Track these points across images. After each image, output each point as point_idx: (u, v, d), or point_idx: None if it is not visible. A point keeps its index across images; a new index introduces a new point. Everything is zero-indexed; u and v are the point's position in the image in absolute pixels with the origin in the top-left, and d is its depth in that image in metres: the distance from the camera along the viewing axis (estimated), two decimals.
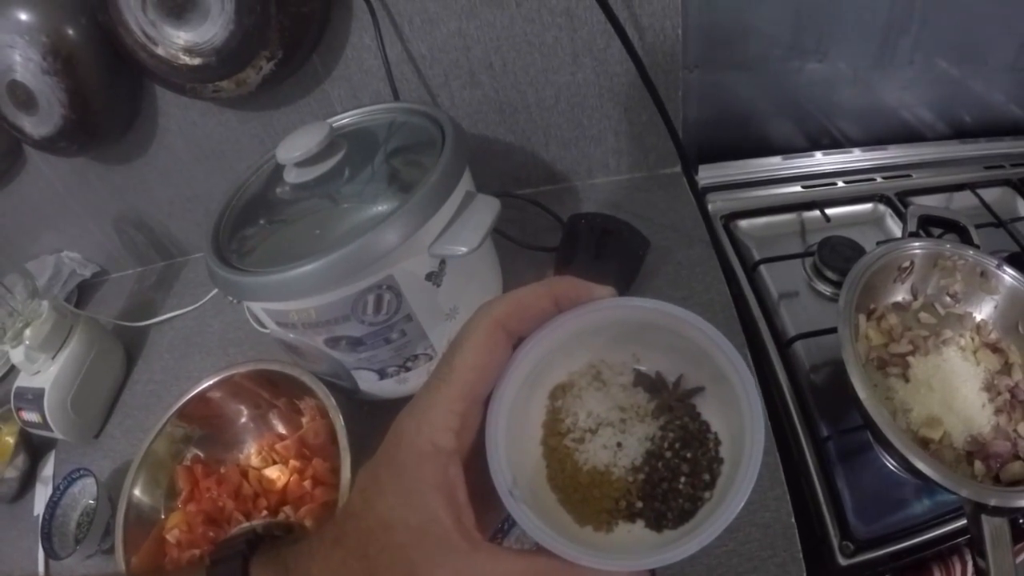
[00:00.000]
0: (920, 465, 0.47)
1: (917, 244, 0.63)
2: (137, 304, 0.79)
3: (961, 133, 0.90)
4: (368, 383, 0.53)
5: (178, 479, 0.56)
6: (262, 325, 0.54)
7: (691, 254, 0.64)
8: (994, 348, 0.61)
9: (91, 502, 0.59)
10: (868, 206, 0.78)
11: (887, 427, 0.48)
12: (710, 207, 0.73)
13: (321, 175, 0.50)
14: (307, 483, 0.53)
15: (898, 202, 0.79)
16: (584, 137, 0.69)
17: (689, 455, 0.27)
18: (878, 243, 0.64)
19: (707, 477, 0.26)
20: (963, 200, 0.82)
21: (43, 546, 0.56)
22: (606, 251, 0.60)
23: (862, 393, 0.50)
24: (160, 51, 0.61)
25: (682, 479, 0.27)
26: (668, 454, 0.27)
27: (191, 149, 0.72)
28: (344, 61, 0.64)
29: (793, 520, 0.48)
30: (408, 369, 0.52)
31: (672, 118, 0.63)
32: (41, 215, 0.77)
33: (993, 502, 0.47)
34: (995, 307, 0.63)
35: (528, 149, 0.70)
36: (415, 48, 0.62)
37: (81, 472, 0.60)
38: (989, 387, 0.58)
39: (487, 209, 0.46)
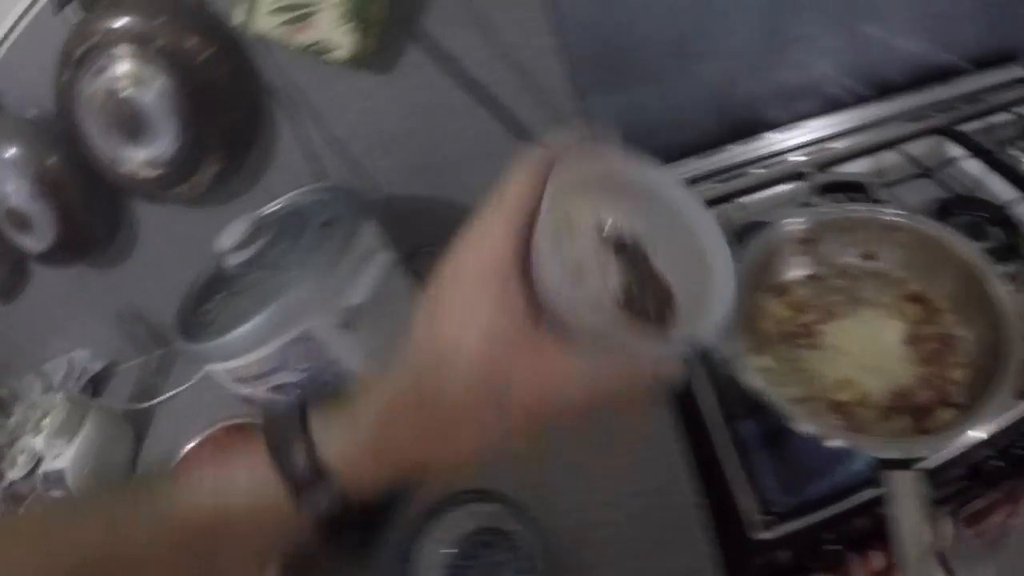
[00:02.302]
0: (801, 426, 0.51)
1: (809, 214, 0.68)
2: (143, 388, 0.94)
3: (887, 91, 0.95)
4: None
5: None
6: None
7: None
8: (915, 298, 0.64)
9: None
10: (789, 187, 0.85)
11: (767, 396, 0.53)
12: None
13: (252, 256, 0.64)
14: None
15: (820, 175, 0.84)
16: (497, 182, 0.81)
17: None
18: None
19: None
20: (890, 159, 0.88)
21: None
22: None
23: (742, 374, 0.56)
24: (125, 168, 0.77)
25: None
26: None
27: (168, 245, 0.87)
28: (280, 153, 0.79)
29: (701, 500, 0.53)
30: None
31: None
32: (51, 320, 0.94)
33: (885, 454, 0.50)
34: (909, 257, 0.66)
35: (451, 201, 0.83)
36: (335, 130, 0.76)
37: None
38: (913, 339, 0.61)
39: (377, 265, 0.59)
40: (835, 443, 0.50)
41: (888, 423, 0.55)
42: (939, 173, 0.83)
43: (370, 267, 0.59)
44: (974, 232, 0.72)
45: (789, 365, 0.61)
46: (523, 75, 0.73)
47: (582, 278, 0.31)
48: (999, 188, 0.81)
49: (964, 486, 0.63)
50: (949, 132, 0.89)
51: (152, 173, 0.77)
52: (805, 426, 0.51)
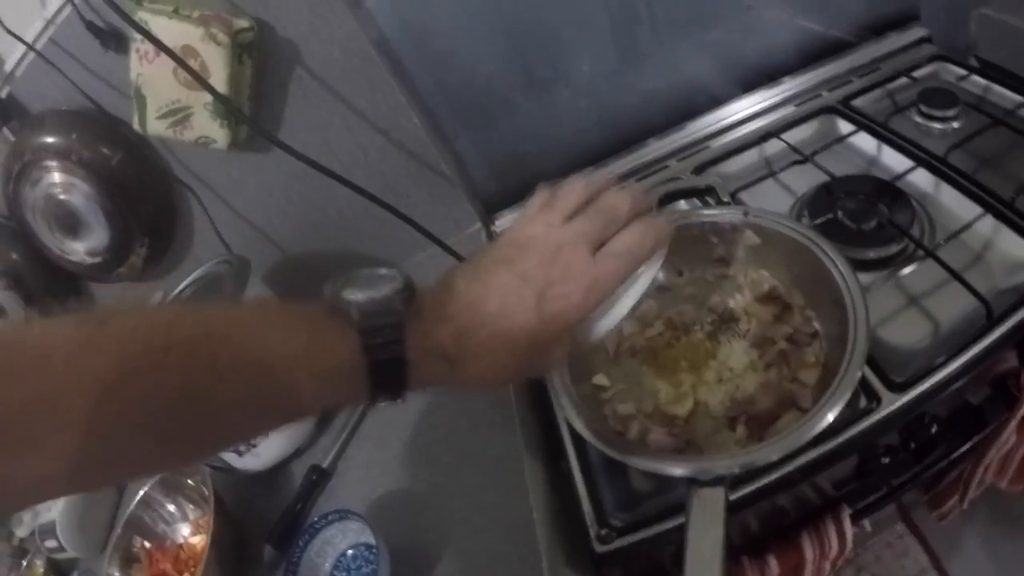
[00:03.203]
0: (608, 451, 0.53)
1: None
2: None
3: (771, 78, 0.95)
4: (235, 461, 0.78)
5: (143, 557, 0.83)
6: None
7: None
8: (768, 298, 0.66)
9: None
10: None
11: (578, 426, 0.57)
12: None
13: None
14: None
15: (688, 177, 0.87)
16: (387, 227, 0.90)
17: None
18: None
19: None
20: (772, 148, 0.89)
21: None
22: None
23: (562, 406, 0.59)
24: (73, 258, 0.92)
25: None
26: None
27: None
28: (198, 230, 0.92)
29: (535, 516, 0.57)
30: (254, 446, 0.77)
31: (454, 184, 0.86)
32: None
33: (679, 472, 0.50)
34: (759, 257, 0.66)
35: (350, 250, 0.95)
36: (236, 205, 0.90)
37: (85, 574, 0.89)
38: (760, 342, 0.62)
39: None
40: (634, 464, 0.53)
41: (726, 434, 0.57)
42: (825, 154, 0.82)
43: None
44: (859, 214, 0.72)
45: (628, 380, 0.64)
46: (381, 134, 0.84)
47: None
48: (894, 161, 0.80)
49: (855, 487, 0.65)
50: (837, 109, 0.89)
51: (94, 260, 0.92)
52: (609, 451, 0.54)
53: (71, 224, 0.89)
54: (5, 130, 0.85)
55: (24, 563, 0.96)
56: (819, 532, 0.63)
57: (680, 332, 0.66)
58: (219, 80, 0.73)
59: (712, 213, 0.68)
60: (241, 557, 0.74)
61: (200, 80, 0.66)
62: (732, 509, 0.49)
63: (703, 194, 0.82)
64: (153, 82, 0.76)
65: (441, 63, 0.84)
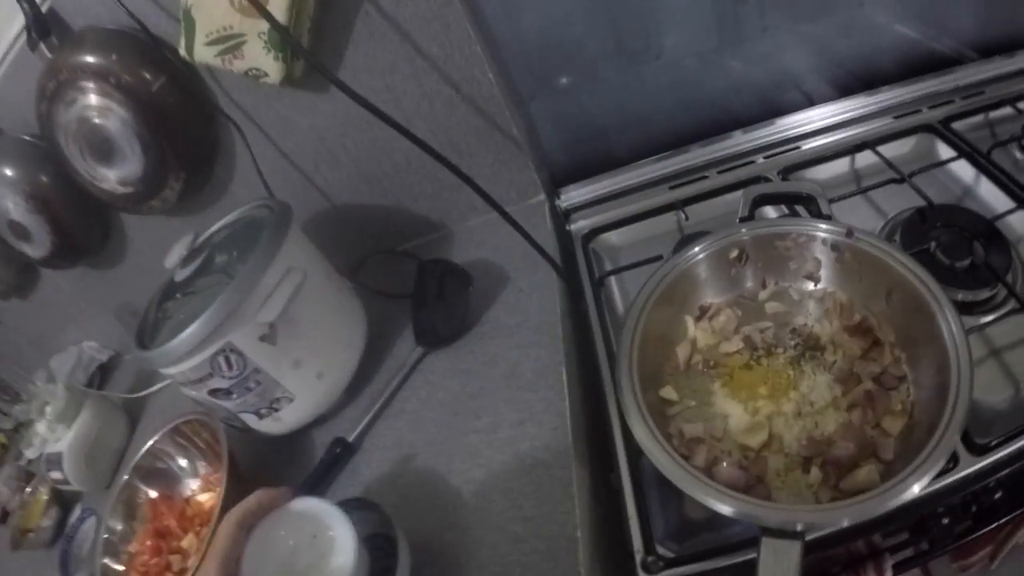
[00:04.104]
0: (674, 480, 0.49)
1: (744, 228, 0.64)
2: (142, 379, 1.08)
3: (870, 85, 0.90)
4: (254, 423, 0.74)
5: (147, 509, 0.80)
6: None
7: (535, 279, 0.78)
8: (857, 329, 0.61)
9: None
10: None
11: (645, 442, 0.51)
12: (572, 228, 0.86)
13: (200, 266, 0.73)
14: None
15: (780, 181, 0.82)
16: (444, 188, 0.87)
17: None
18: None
19: None
20: (864, 160, 0.84)
21: (60, 573, 0.83)
22: (447, 291, 0.77)
23: (626, 414, 0.54)
24: (103, 186, 0.88)
25: None
26: None
27: (153, 249, 0.98)
28: (239, 168, 0.87)
29: (579, 534, 0.54)
30: (276, 410, 0.72)
31: (522, 150, 0.79)
32: (62, 314, 1.09)
33: (746, 516, 0.46)
34: (854, 282, 0.62)
35: (401, 208, 0.89)
36: (283, 146, 0.84)
37: (87, 513, 0.87)
38: (845, 378, 0.57)
39: (289, 284, 0.66)
40: (699, 498, 0.48)
41: (799, 475, 0.53)
42: (922, 177, 0.77)
43: (285, 285, 0.67)
44: (953, 249, 0.68)
45: (698, 398, 0.60)
46: (453, 87, 0.78)
47: None
48: (992, 196, 0.75)
49: (905, 539, 0.61)
50: (937, 130, 0.83)
51: (126, 190, 0.87)
52: (677, 481, 0.49)
53: (104, 150, 0.84)
54: (42, 46, 0.80)
55: (28, 489, 0.94)
56: None
57: (761, 353, 0.62)
58: (278, 7, 0.67)
59: (811, 225, 0.63)
60: None
61: (257, 5, 0.60)
62: None
63: (800, 201, 0.73)
64: (206, 4, 0.69)
65: (527, 18, 0.78)
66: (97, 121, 0.80)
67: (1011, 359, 0.61)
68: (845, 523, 0.47)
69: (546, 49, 0.81)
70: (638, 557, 0.55)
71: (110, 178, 0.86)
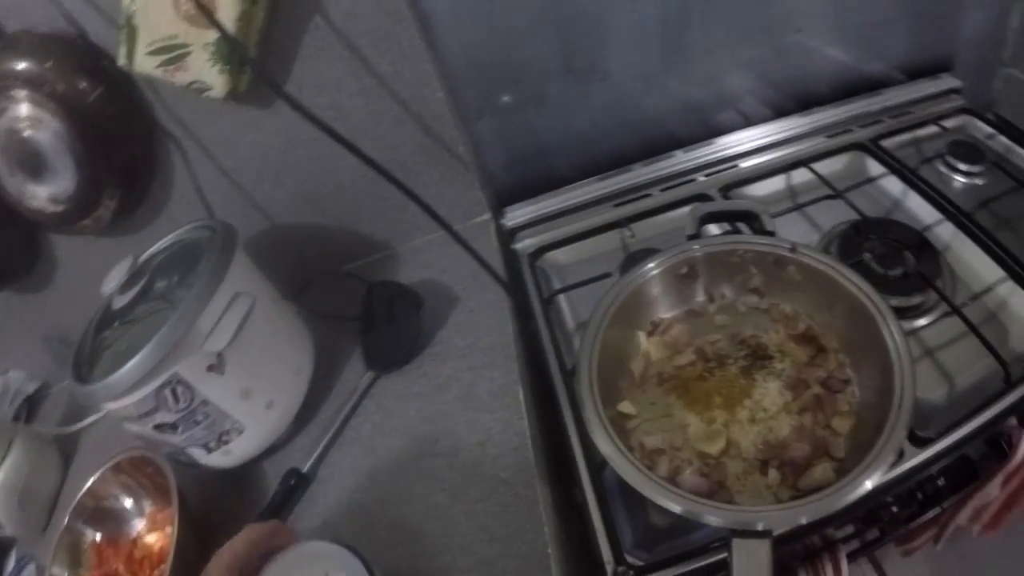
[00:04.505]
0: (640, 488, 0.51)
1: (691, 245, 0.67)
2: (74, 411, 1.02)
3: (810, 104, 0.95)
4: (202, 457, 0.71)
5: (91, 554, 0.76)
6: None
7: (483, 299, 0.78)
8: (803, 338, 0.64)
9: None
10: (686, 210, 0.83)
11: (612, 457, 0.53)
12: (518, 247, 0.86)
13: (139, 292, 0.69)
14: None
15: (721, 198, 0.86)
16: (389, 207, 0.86)
17: None
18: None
19: None
20: (800, 177, 0.89)
21: None
22: (397, 313, 0.76)
23: (590, 430, 0.56)
24: (33, 203, 0.83)
25: None
26: None
27: (84, 272, 0.93)
28: (178, 186, 0.84)
29: (550, 551, 0.55)
30: (226, 442, 0.70)
31: (469, 169, 0.79)
32: None
33: (716, 520, 0.49)
34: (798, 293, 0.65)
35: (346, 228, 0.88)
36: (224, 164, 0.81)
37: (25, 560, 0.82)
38: (794, 384, 0.61)
39: (238, 310, 0.64)
40: (669, 507, 0.50)
41: (758, 477, 0.55)
42: (855, 192, 0.82)
43: (233, 311, 0.65)
44: (886, 259, 0.73)
45: (656, 411, 0.62)
46: (400, 104, 0.77)
47: None
48: (920, 209, 0.81)
49: (855, 530, 0.64)
50: (868, 148, 0.89)
51: (56, 208, 0.82)
52: (647, 492, 0.51)
53: (34, 165, 0.79)
54: None
55: None
56: (816, 571, 0.63)
57: (713, 364, 0.64)
58: (227, 19, 0.65)
59: (756, 242, 0.67)
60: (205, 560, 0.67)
61: (206, 13, 0.58)
62: None
63: (743, 219, 0.78)
64: (150, 11, 0.67)
65: (476, 37, 0.79)
66: (27, 133, 0.76)
67: (944, 358, 0.68)
68: (806, 520, 0.50)
69: (494, 68, 0.81)
70: (609, 568, 0.56)
71: (40, 195, 0.81)
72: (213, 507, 0.72)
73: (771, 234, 0.69)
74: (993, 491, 0.69)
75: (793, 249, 0.64)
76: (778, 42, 0.90)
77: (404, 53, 0.73)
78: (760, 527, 0.48)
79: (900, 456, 0.58)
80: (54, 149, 0.77)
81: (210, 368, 0.65)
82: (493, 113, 0.85)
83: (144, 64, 0.71)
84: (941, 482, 0.64)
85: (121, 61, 0.72)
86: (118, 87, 0.76)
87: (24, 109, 0.74)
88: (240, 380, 0.67)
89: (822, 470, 0.53)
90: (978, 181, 0.85)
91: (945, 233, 0.78)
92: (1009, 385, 0.62)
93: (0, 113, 0.76)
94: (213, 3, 0.64)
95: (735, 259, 0.67)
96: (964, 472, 0.66)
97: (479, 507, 0.60)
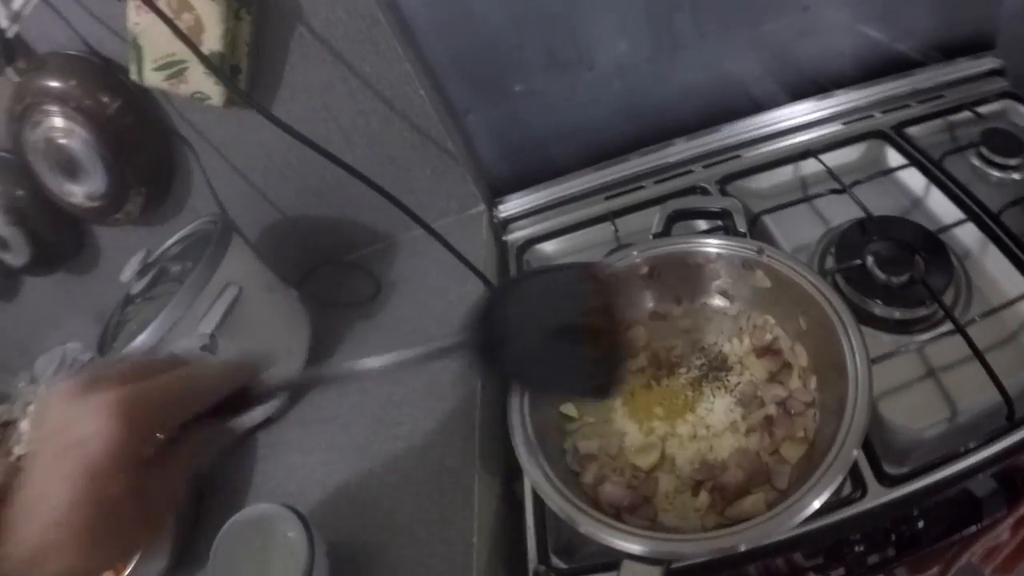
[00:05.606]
0: (549, 500, 0.51)
1: (656, 245, 0.65)
2: None
3: (823, 89, 0.89)
4: None
5: None
6: None
7: (463, 291, 0.83)
8: (766, 351, 0.60)
9: None
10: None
11: (522, 462, 0.53)
12: (508, 238, 0.89)
13: (154, 277, 0.80)
14: None
15: (717, 192, 0.83)
16: (386, 200, 0.92)
17: None
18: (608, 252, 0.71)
19: None
20: (810, 168, 0.84)
21: None
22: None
23: (511, 430, 0.56)
24: (72, 200, 0.95)
25: None
26: None
27: (121, 258, 1.04)
28: (195, 184, 0.94)
29: (475, 540, 0.58)
30: None
31: (459, 163, 0.84)
32: (46, 316, 1.17)
33: (619, 546, 0.47)
34: (766, 301, 0.61)
35: (347, 219, 0.95)
36: (234, 162, 0.90)
37: None
38: (748, 400, 0.57)
39: (225, 299, 0.73)
40: (570, 522, 0.50)
41: (688, 498, 0.53)
42: (866, 186, 0.76)
43: (223, 298, 0.73)
44: (891, 263, 0.67)
45: (599, 416, 0.60)
46: (388, 103, 0.83)
47: None
48: (942, 207, 0.74)
49: (825, 562, 0.60)
50: (889, 136, 0.82)
51: (93, 204, 0.94)
52: (550, 500, 0.51)
53: (70, 168, 0.91)
54: (9, 70, 0.87)
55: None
56: None
57: (664, 372, 0.62)
58: (214, 36, 0.72)
59: (722, 244, 0.63)
60: None
61: (186, 41, 0.66)
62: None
63: (716, 217, 0.73)
64: (149, 33, 0.75)
65: (457, 35, 0.81)
66: (62, 142, 0.88)
67: (948, 383, 0.61)
68: (707, 555, 0.47)
69: (478, 64, 0.84)
70: (531, 567, 0.58)
71: (78, 193, 0.93)
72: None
73: (743, 235, 0.66)
74: (1002, 535, 0.64)
75: (760, 251, 0.60)
76: (785, 19, 0.85)
77: (382, 55, 0.78)
78: (662, 555, 0.46)
79: (862, 493, 0.53)
80: (85, 155, 0.88)
81: (203, 348, 0.74)
82: (483, 107, 0.87)
83: (152, 78, 0.80)
84: (921, 525, 0.58)
85: (133, 76, 0.81)
86: (134, 99, 0.86)
87: (57, 121, 0.86)
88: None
89: (754, 501, 0.50)
90: (1016, 176, 0.75)
91: (966, 236, 0.70)
92: (1013, 423, 0.54)
93: (37, 124, 0.88)
94: (200, 24, 0.71)
95: (699, 260, 0.64)
96: (963, 510, 0.60)
97: (423, 490, 0.66)
